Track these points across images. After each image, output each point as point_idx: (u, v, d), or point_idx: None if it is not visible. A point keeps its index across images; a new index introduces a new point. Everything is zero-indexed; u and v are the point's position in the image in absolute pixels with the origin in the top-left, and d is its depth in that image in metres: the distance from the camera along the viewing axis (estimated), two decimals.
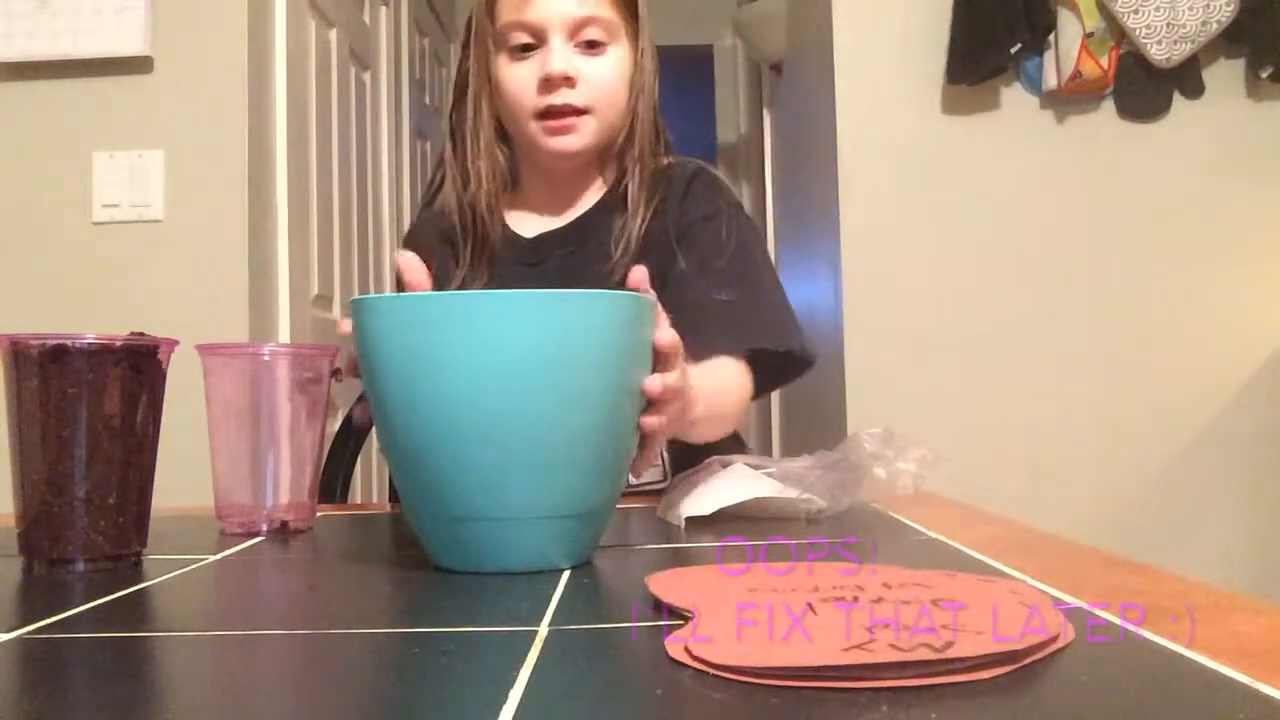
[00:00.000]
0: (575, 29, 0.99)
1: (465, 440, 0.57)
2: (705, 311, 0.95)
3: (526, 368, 0.56)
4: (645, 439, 0.65)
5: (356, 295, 2.43)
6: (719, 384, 0.92)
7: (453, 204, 1.07)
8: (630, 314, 0.60)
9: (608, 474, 0.62)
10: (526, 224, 1.10)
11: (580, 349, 0.57)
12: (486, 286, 1.04)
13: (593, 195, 1.09)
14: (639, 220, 1.02)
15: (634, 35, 1.04)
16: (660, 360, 0.63)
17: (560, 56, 0.98)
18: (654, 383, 0.61)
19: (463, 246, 1.06)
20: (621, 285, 0.75)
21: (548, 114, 1.00)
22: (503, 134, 1.07)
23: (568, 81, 0.99)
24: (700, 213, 1.04)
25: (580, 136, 1.02)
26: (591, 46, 1.00)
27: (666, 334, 0.63)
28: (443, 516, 0.59)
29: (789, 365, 1.00)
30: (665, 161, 1.08)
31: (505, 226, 1.08)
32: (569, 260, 1.05)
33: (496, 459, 0.57)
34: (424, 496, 0.60)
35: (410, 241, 1.11)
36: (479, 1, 1.04)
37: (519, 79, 1.01)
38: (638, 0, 1.04)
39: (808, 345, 1.00)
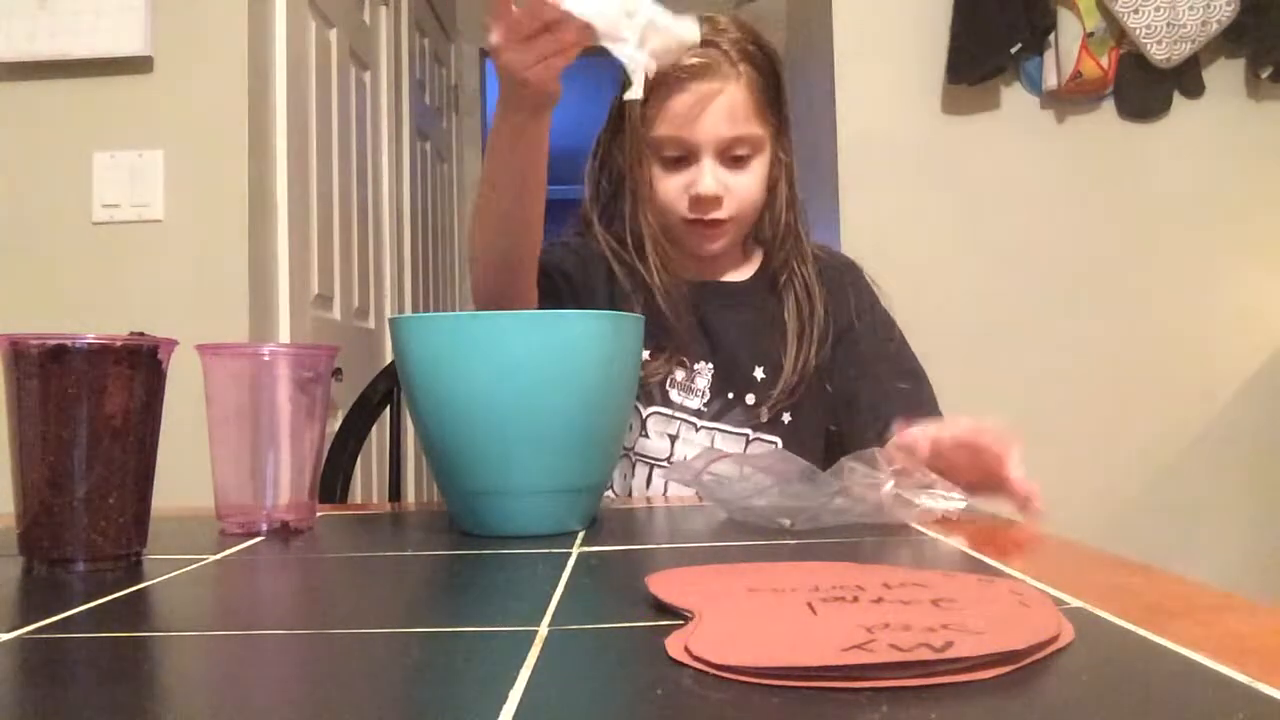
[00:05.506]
0: (726, 148, 1.07)
1: (477, 430, 0.71)
2: (893, 399, 1.09)
3: (528, 372, 0.69)
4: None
5: (358, 298, 2.44)
6: None
7: (605, 252, 1.12)
8: (612, 329, 0.74)
9: (595, 459, 0.74)
10: (682, 269, 1.15)
11: (573, 356, 0.71)
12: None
13: (737, 266, 1.18)
14: (819, 309, 1.13)
15: (777, 133, 1.12)
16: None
17: (711, 177, 1.06)
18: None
19: (619, 281, 1.12)
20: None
21: (695, 222, 1.08)
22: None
23: (716, 202, 1.07)
24: (861, 309, 1.17)
25: (724, 241, 1.11)
26: (738, 161, 1.08)
27: None
28: (464, 492, 0.73)
29: None
30: (811, 249, 1.17)
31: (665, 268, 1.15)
32: (729, 313, 1.14)
33: (502, 446, 0.70)
34: (448, 475, 0.74)
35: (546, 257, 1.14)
36: (635, 108, 1.09)
37: (672, 190, 1.09)
38: (784, 106, 1.12)
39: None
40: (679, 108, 1.05)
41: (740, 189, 1.08)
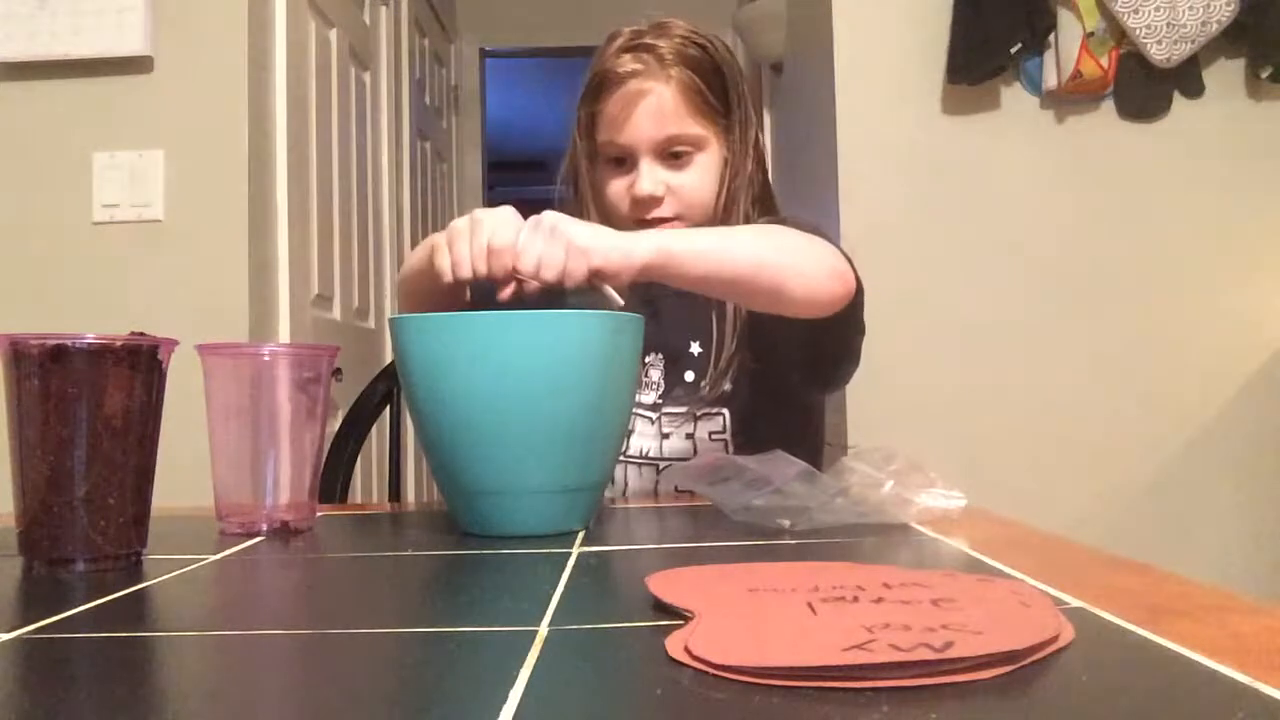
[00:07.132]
0: (662, 148, 1.08)
1: (477, 430, 0.71)
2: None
3: (528, 372, 0.70)
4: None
5: (358, 298, 2.43)
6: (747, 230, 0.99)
7: None
8: (612, 328, 0.74)
9: (595, 459, 0.75)
10: None
11: (573, 356, 0.71)
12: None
13: None
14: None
15: (726, 130, 1.11)
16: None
17: (648, 179, 1.08)
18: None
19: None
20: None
21: (641, 223, 1.09)
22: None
23: (655, 201, 1.08)
24: None
25: None
26: (678, 158, 1.09)
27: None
28: (464, 492, 0.73)
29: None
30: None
31: None
32: (676, 302, 1.12)
33: (502, 446, 0.71)
34: (448, 476, 0.74)
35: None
36: (582, 116, 1.12)
37: (616, 191, 1.11)
38: (729, 99, 1.11)
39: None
40: (613, 111, 1.09)
41: (684, 188, 1.09)
